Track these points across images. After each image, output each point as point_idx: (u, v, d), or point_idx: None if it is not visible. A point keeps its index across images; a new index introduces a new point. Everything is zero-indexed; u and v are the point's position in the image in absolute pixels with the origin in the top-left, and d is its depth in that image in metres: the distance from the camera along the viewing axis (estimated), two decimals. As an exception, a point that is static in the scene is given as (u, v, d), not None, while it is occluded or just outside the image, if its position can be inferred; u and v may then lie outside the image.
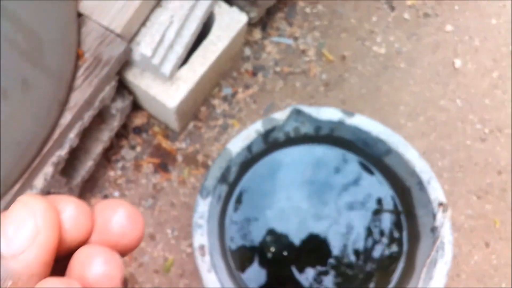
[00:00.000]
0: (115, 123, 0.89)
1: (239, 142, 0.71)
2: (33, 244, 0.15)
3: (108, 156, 0.99)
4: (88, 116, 0.77)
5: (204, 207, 0.68)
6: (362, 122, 0.71)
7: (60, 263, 0.17)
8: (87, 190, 0.96)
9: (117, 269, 0.17)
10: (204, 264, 0.65)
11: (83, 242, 0.18)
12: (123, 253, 0.18)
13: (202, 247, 0.66)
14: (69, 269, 0.17)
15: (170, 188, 0.96)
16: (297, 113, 0.72)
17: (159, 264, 0.90)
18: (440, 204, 0.71)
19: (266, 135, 0.73)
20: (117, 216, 0.18)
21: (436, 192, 0.71)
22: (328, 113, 0.71)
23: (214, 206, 0.71)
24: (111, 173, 0.98)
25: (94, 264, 0.16)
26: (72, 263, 0.17)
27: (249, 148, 0.73)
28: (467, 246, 0.97)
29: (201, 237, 0.66)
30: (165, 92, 0.82)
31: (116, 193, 0.96)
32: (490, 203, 0.99)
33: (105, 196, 0.96)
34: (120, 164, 0.98)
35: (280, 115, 0.72)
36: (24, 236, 0.15)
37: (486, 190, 1.00)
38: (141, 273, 0.90)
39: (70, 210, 0.18)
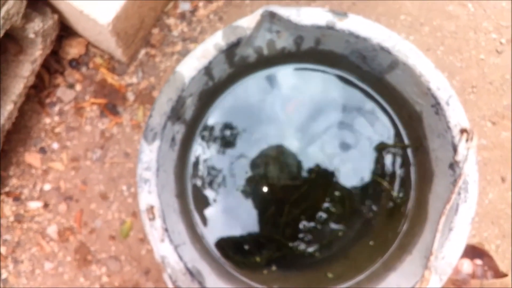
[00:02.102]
0: (37, 52, 0.68)
1: (193, 62, 0.52)
2: None
3: (41, 98, 0.79)
4: (-15, 41, 0.56)
5: (150, 154, 0.51)
6: (359, 24, 0.52)
7: None
8: (18, 144, 0.77)
9: None
10: (154, 231, 0.48)
11: None
12: None
13: (150, 209, 0.49)
14: None
15: (122, 135, 0.78)
16: (271, 17, 0.52)
17: (114, 229, 0.74)
18: (463, 130, 0.54)
19: (229, 52, 0.54)
20: None
21: (457, 115, 0.54)
22: (313, 15, 0.52)
23: (166, 152, 0.54)
24: (47, 120, 0.78)
25: None
26: None
27: (208, 71, 0.54)
28: (481, 182, 0.82)
29: (149, 195, 0.49)
30: (94, 2, 0.60)
31: (55, 145, 0.77)
32: (507, 130, 0.83)
33: (42, 149, 0.77)
34: (56, 108, 0.79)
35: (246, 22, 0.52)
36: None
37: (502, 114, 0.83)
38: (94, 241, 0.73)
39: None
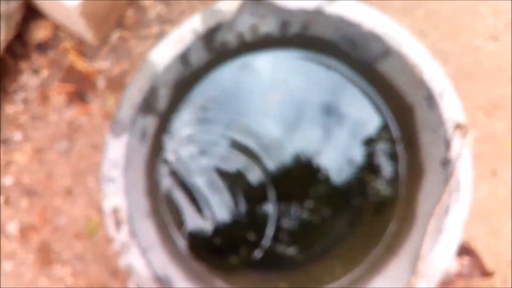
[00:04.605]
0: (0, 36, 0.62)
1: (167, 48, 0.47)
2: None
3: (4, 85, 0.72)
4: None
5: (117, 150, 0.45)
6: (350, 9, 0.48)
7: None
8: (-23, 133, 0.71)
9: None
10: (119, 235, 0.43)
11: None
12: None
13: (116, 211, 0.44)
14: None
15: (91, 125, 0.72)
16: (254, 0, 0.47)
17: (80, 226, 0.69)
18: (458, 126, 0.50)
19: (208, 38, 0.49)
20: None
21: (452, 108, 0.50)
22: (298, -2, 0.47)
23: (136, 148, 0.48)
24: (10, 109, 0.72)
25: None
26: None
27: (184, 58, 0.49)
28: (470, 175, 0.79)
29: (114, 196, 0.44)
30: (55, -19, 0.54)
31: (18, 135, 0.71)
32: (501, 121, 0.80)
33: (3, 140, 0.71)
34: (20, 96, 0.73)
35: (227, 5, 0.47)
36: None
37: (496, 104, 0.80)
38: (58, 239, 0.68)
39: None
